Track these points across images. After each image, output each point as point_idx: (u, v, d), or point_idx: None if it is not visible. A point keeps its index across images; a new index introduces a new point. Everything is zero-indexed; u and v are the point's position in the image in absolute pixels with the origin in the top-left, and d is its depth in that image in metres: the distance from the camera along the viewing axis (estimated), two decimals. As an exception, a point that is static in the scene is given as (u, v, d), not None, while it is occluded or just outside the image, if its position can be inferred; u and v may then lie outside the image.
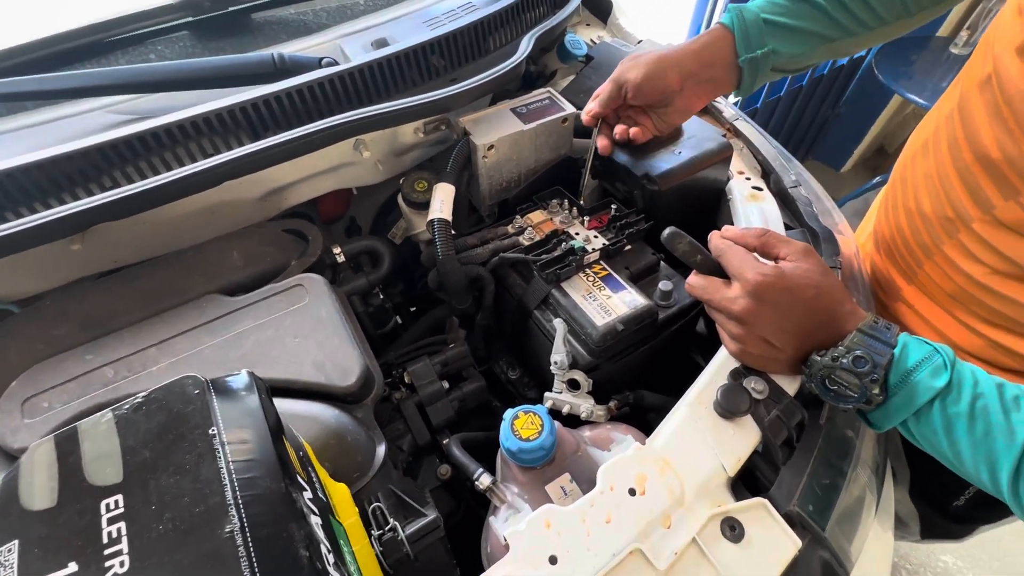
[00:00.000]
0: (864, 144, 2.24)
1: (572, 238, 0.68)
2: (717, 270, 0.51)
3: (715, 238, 0.52)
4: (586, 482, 0.49)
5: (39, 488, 0.27)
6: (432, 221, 0.67)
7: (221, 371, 0.52)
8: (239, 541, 0.25)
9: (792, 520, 0.46)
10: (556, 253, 0.65)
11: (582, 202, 0.74)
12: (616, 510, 0.44)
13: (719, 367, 0.53)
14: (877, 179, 1.96)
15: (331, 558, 0.30)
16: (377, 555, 0.43)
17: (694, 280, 0.52)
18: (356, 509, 0.44)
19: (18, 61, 0.74)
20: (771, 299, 0.47)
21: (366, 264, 0.76)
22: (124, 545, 0.25)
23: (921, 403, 0.43)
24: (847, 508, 0.51)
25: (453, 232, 0.68)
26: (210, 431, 0.29)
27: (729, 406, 0.49)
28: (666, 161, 0.70)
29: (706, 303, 0.52)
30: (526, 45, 0.78)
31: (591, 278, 0.65)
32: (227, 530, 0.25)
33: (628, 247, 0.69)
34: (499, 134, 0.72)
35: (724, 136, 0.75)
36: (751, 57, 0.62)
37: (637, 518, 0.44)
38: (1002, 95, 0.49)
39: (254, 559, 0.24)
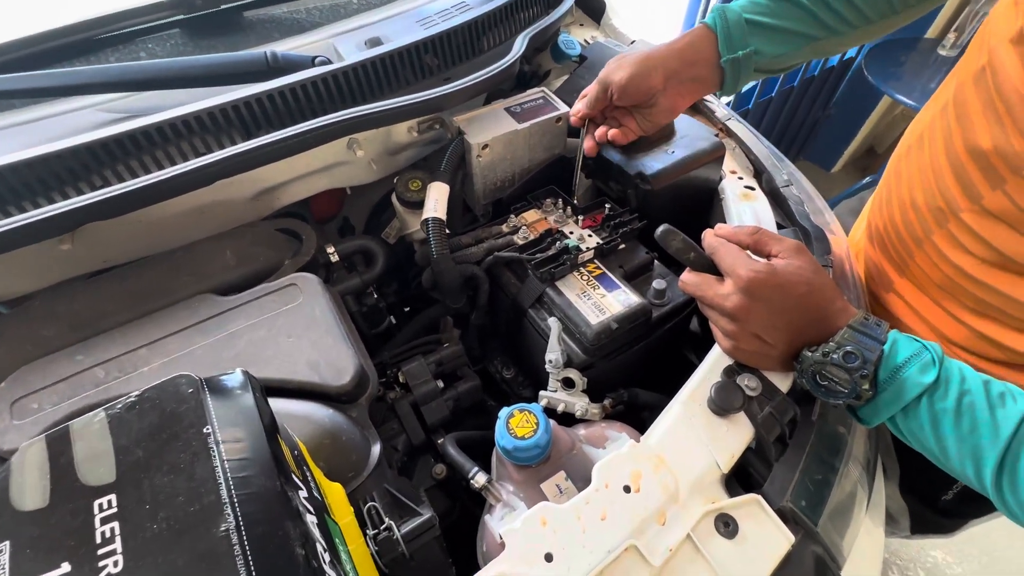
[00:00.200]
0: (854, 145, 2.26)
1: (566, 237, 0.68)
2: (710, 267, 0.52)
3: (708, 236, 0.53)
4: (581, 480, 0.50)
5: (30, 488, 0.27)
6: (426, 220, 0.67)
7: (214, 371, 0.52)
8: (234, 540, 0.25)
9: (785, 516, 0.46)
10: (550, 252, 0.65)
11: (575, 201, 0.74)
12: (611, 507, 0.44)
13: (713, 364, 0.54)
14: (867, 179, 1.98)
15: (327, 557, 0.30)
16: (373, 554, 0.43)
17: (687, 277, 0.53)
18: (351, 508, 0.44)
19: (7, 58, 0.73)
20: (763, 296, 0.47)
21: (360, 263, 0.76)
22: (118, 545, 0.25)
23: (909, 399, 0.43)
24: (839, 504, 0.51)
25: (447, 231, 0.68)
26: (204, 430, 0.28)
27: (723, 403, 0.49)
28: (659, 160, 0.71)
29: (699, 300, 0.53)
30: (520, 45, 0.78)
31: (585, 277, 0.65)
32: (222, 529, 0.25)
33: (622, 246, 0.70)
34: (493, 133, 0.72)
35: (716, 136, 0.76)
36: (733, 58, 0.62)
37: (632, 515, 0.44)
38: (995, 86, 0.50)
39: (250, 557, 0.24)
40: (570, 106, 0.79)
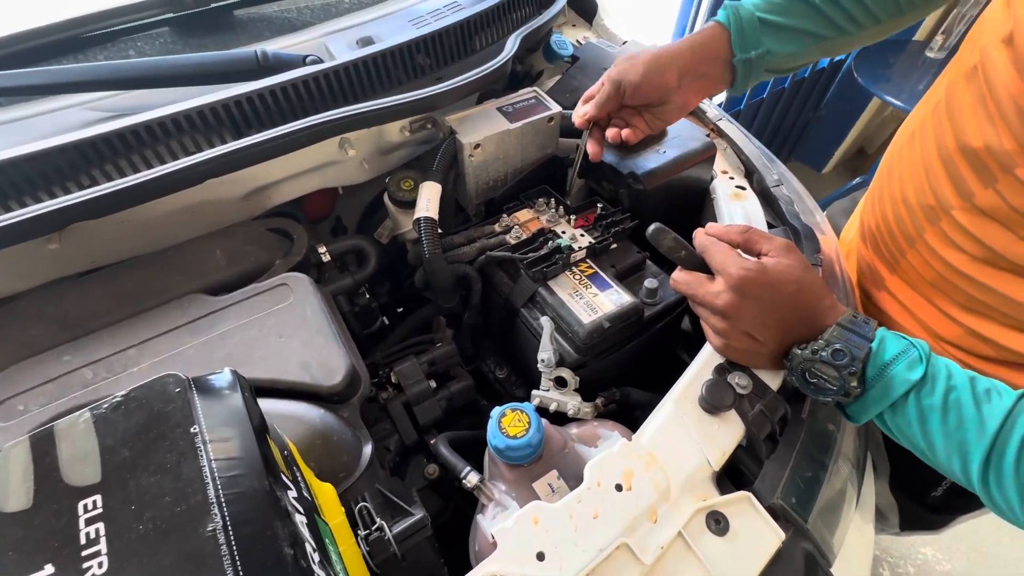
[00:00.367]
0: (844, 145, 2.28)
1: (559, 237, 0.68)
2: (701, 266, 0.52)
3: (699, 235, 0.53)
4: (573, 479, 0.50)
5: (14, 489, 0.27)
6: (418, 220, 0.67)
7: (204, 371, 0.51)
8: (221, 540, 0.24)
9: (775, 513, 0.47)
10: (543, 252, 0.65)
11: (569, 201, 0.74)
12: (603, 505, 0.45)
13: (704, 363, 0.54)
14: (858, 179, 1.99)
15: (316, 557, 0.30)
16: (364, 555, 0.42)
17: (678, 276, 0.53)
18: (342, 509, 0.43)
19: (-7, 56, 0.72)
20: (753, 294, 0.48)
21: (352, 263, 0.76)
22: (103, 546, 0.24)
23: (897, 395, 0.44)
24: (829, 500, 0.52)
25: (440, 231, 0.68)
26: (192, 429, 0.28)
27: (714, 401, 0.50)
28: (651, 160, 0.71)
29: (690, 298, 0.53)
30: (512, 45, 0.78)
31: (577, 276, 0.65)
32: (209, 529, 0.25)
33: (614, 245, 0.70)
34: (485, 133, 0.72)
35: (708, 136, 0.76)
36: (746, 58, 0.62)
37: (624, 513, 0.44)
38: (986, 85, 0.50)
39: (237, 558, 0.24)
40: (563, 106, 0.79)
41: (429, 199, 0.68)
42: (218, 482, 0.26)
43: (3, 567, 0.24)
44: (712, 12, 1.67)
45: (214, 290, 0.60)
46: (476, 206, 0.80)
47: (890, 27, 0.64)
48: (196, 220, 0.66)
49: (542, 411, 0.57)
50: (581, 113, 0.67)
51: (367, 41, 0.79)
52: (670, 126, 0.75)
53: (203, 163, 0.59)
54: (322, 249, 0.71)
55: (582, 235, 0.69)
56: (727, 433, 0.50)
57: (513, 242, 0.69)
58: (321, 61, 0.70)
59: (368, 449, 0.51)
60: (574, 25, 1.06)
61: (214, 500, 0.25)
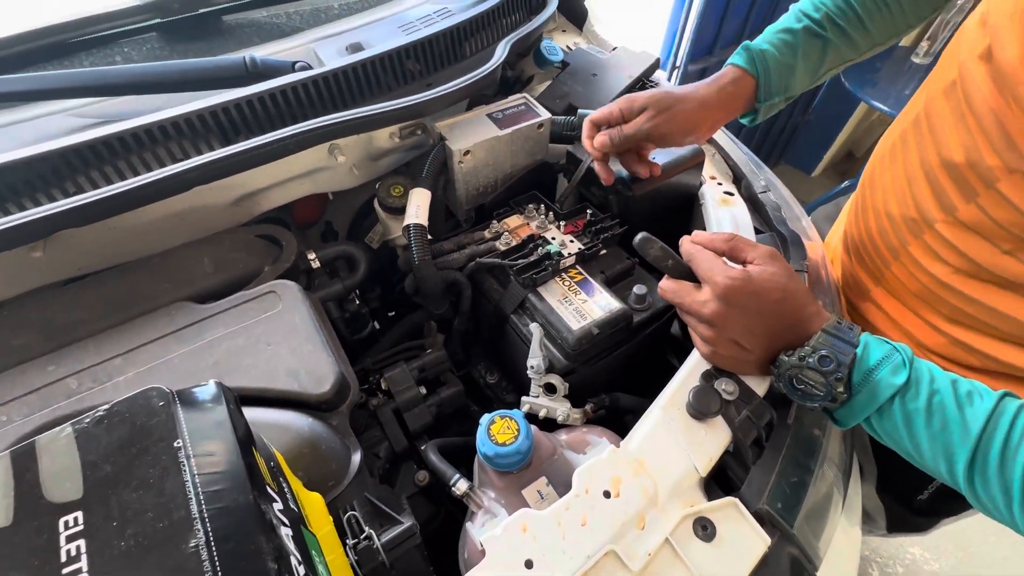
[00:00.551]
0: (833, 149, 2.31)
1: (548, 243, 0.68)
2: (688, 274, 0.53)
3: (685, 243, 0.53)
4: (562, 485, 0.50)
5: (-7, 506, 0.26)
6: (408, 227, 0.67)
7: (191, 380, 0.51)
8: (204, 555, 0.24)
9: (762, 518, 0.47)
10: (532, 258, 0.65)
11: (558, 207, 0.75)
12: (591, 512, 0.45)
13: (691, 370, 0.54)
14: (846, 183, 2.01)
15: (302, 570, 0.30)
16: (352, 564, 0.42)
17: (666, 284, 0.54)
18: (330, 518, 0.43)
19: (-24, 62, 0.71)
20: (739, 302, 0.48)
21: (342, 269, 0.76)
22: (83, 563, 0.24)
23: (883, 400, 0.44)
24: (814, 505, 0.52)
25: (430, 237, 0.68)
26: (175, 444, 0.28)
27: (701, 407, 0.50)
28: (640, 166, 0.71)
29: (678, 307, 0.53)
30: (502, 51, 0.79)
31: (567, 282, 0.65)
32: (191, 544, 0.24)
33: (603, 251, 0.70)
34: (475, 139, 0.72)
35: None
36: (770, 104, 0.65)
37: (612, 520, 0.45)
38: (966, 100, 0.51)
39: (220, 573, 0.24)
40: (553, 112, 0.79)
41: (419, 206, 0.68)
42: (201, 497, 0.26)
43: (-18, 586, 0.24)
44: (702, 19, 1.69)
45: (201, 298, 0.60)
46: (466, 212, 0.81)
47: (887, 44, 0.67)
48: (184, 226, 0.66)
49: (532, 417, 0.57)
50: (599, 144, 0.65)
51: (357, 47, 0.79)
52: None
53: (191, 170, 0.58)
54: (311, 255, 0.71)
55: (571, 241, 0.69)
56: (714, 439, 0.50)
57: (503, 248, 0.69)
58: (310, 67, 0.70)
59: (357, 457, 0.51)
60: (564, 31, 1.06)
61: (197, 515, 0.25)
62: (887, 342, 0.46)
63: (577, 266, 0.67)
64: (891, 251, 0.64)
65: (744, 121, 0.71)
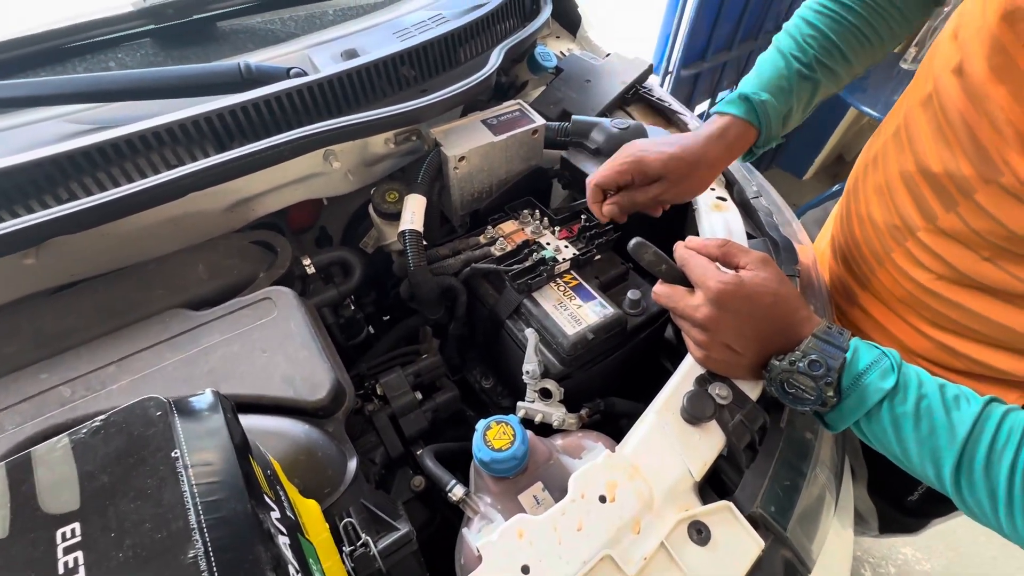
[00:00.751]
0: (824, 153, 2.33)
1: (543, 248, 0.69)
2: (681, 279, 0.53)
3: (679, 248, 0.54)
4: (558, 490, 0.50)
5: (-11, 518, 0.26)
6: (403, 232, 0.67)
7: (186, 388, 0.51)
8: (203, 566, 0.24)
9: (755, 521, 0.48)
10: (527, 263, 0.66)
11: (552, 212, 0.75)
12: (587, 517, 0.45)
13: (685, 374, 0.55)
14: (836, 187, 2.04)
15: (300, 578, 0.30)
16: (348, 572, 0.42)
17: (659, 289, 0.54)
18: (327, 525, 0.43)
19: (-33, 67, 0.71)
20: (732, 306, 0.49)
21: (337, 275, 0.76)
22: (82, 575, 0.24)
23: (871, 404, 0.45)
24: (807, 508, 0.53)
25: (425, 243, 0.68)
26: (172, 454, 0.28)
27: (695, 412, 0.51)
28: (633, 172, 0.72)
29: (671, 311, 0.54)
30: (496, 57, 0.79)
31: (562, 288, 0.66)
32: (190, 555, 0.25)
33: (598, 257, 0.71)
34: (470, 146, 0.72)
35: (689, 148, 0.78)
36: (766, 148, 0.66)
37: (608, 525, 0.45)
38: (942, 112, 0.52)
39: (218, 584, 0.24)
40: (547, 118, 0.80)
41: (414, 211, 0.68)
42: (200, 507, 0.26)
43: (-22, 598, 0.24)
44: (694, 25, 1.70)
45: (196, 304, 0.60)
46: (461, 217, 0.81)
47: (868, 68, 0.68)
48: (178, 232, 0.65)
49: (527, 423, 0.57)
50: (608, 213, 0.65)
51: (351, 54, 0.79)
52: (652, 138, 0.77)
53: (186, 177, 0.58)
54: (306, 261, 0.71)
55: (566, 246, 0.70)
56: (708, 443, 0.51)
57: (498, 254, 0.70)
58: (305, 74, 0.70)
59: (353, 464, 0.51)
60: (558, 37, 1.07)
61: (195, 526, 0.25)
62: (876, 347, 0.47)
63: (572, 271, 0.68)
64: (876, 258, 0.65)
65: (738, 161, 0.71)
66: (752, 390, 0.54)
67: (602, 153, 0.75)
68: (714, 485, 0.53)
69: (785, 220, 0.77)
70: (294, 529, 0.34)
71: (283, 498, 0.36)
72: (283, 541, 0.30)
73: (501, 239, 0.72)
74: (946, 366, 0.63)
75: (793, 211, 0.84)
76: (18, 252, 0.55)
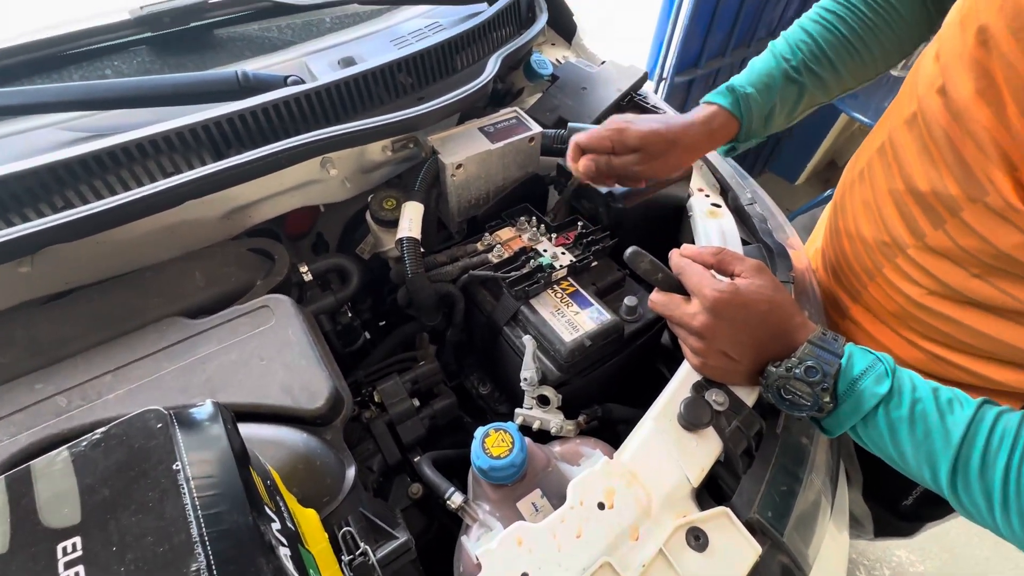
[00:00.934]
0: (816, 158, 2.36)
1: (540, 255, 0.69)
2: (677, 287, 0.54)
3: (675, 256, 0.54)
4: (557, 497, 0.50)
5: (-11, 533, 0.26)
6: (401, 240, 0.67)
7: (183, 397, 0.51)
8: (205, 579, 0.24)
9: (752, 527, 0.48)
10: (525, 270, 0.66)
11: (549, 219, 0.76)
12: (586, 524, 0.45)
13: (682, 381, 0.55)
14: (826, 192, 2.06)
15: (300, 589, 0.30)
16: (348, 581, 0.42)
17: (656, 297, 0.55)
18: (326, 535, 0.43)
19: (-38, 75, 0.70)
20: (727, 314, 0.49)
21: (334, 281, 0.76)
22: (83, 589, 0.24)
23: (867, 409, 0.45)
24: (803, 513, 0.53)
25: (422, 250, 0.68)
26: (174, 466, 0.28)
27: (692, 418, 0.51)
28: (629, 180, 0.73)
29: (668, 319, 0.55)
30: (493, 65, 0.80)
31: (559, 294, 0.66)
32: (193, 569, 0.25)
33: (595, 264, 0.71)
34: (467, 153, 0.73)
35: (684, 155, 0.78)
36: (747, 144, 0.69)
37: (606, 532, 0.45)
38: (927, 132, 0.53)
39: (221, 597, 0.24)
40: (543, 125, 0.80)
41: (412, 219, 0.69)
42: (201, 520, 0.26)
43: (-22, 614, 0.24)
44: (688, 32, 1.72)
45: (193, 313, 0.60)
46: (458, 224, 0.81)
47: (857, 88, 0.70)
48: (175, 239, 0.65)
49: (525, 429, 0.57)
50: (585, 170, 0.65)
51: (349, 61, 0.79)
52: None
53: (183, 185, 0.58)
54: (303, 268, 0.71)
55: (563, 253, 0.70)
56: (705, 449, 0.51)
57: (495, 261, 0.70)
58: (303, 82, 0.71)
59: (351, 472, 0.51)
60: (553, 44, 1.08)
61: (197, 539, 0.25)
62: (870, 352, 0.48)
63: (569, 278, 0.68)
64: (867, 273, 0.66)
65: (720, 152, 0.74)
66: (748, 396, 0.54)
67: (598, 160, 0.76)
68: (711, 491, 0.53)
69: (778, 225, 0.78)
70: (294, 540, 0.34)
71: (283, 508, 0.36)
72: (284, 552, 0.30)
73: (498, 246, 0.72)
74: (939, 377, 0.63)
75: (785, 216, 0.85)
76: (13, 260, 0.55)
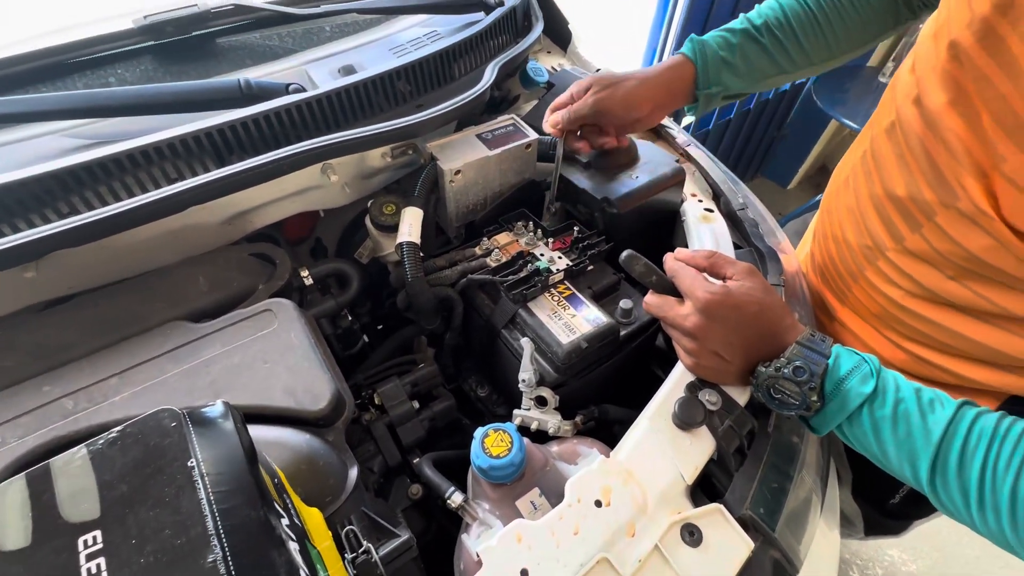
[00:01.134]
0: (807, 163, 2.40)
1: (537, 259, 0.71)
2: (671, 289, 0.55)
3: (669, 260, 0.56)
4: (555, 496, 0.51)
5: (11, 527, 0.27)
6: (401, 244, 0.68)
7: (188, 399, 0.52)
8: (222, 570, 0.25)
9: (745, 523, 0.49)
10: (522, 274, 0.68)
11: (546, 224, 0.77)
12: (583, 522, 0.46)
13: (676, 381, 0.57)
14: (818, 197, 2.09)
15: (309, 583, 0.31)
16: (351, 578, 0.43)
17: (650, 299, 0.56)
18: (329, 533, 0.44)
19: (-34, 83, 0.71)
20: (719, 315, 0.51)
21: (333, 286, 0.77)
22: (104, 580, 0.25)
23: (852, 408, 0.47)
24: (794, 510, 0.55)
25: (421, 254, 0.70)
26: (188, 463, 0.29)
27: (686, 418, 0.53)
28: (624, 185, 0.74)
29: (662, 320, 0.56)
30: (490, 73, 0.81)
31: (556, 298, 0.67)
32: (210, 560, 0.26)
33: (590, 267, 0.73)
34: (465, 159, 0.74)
35: (677, 161, 0.80)
36: (707, 92, 0.71)
37: (603, 528, 0.46)
38: (904, 140, 0.56)
39: (237, 587, 0.25)
40: (539, 132, 0.82)
41: (411, 224, 0.70)
42: (216, 514, 0.27)
43: (2, 605, 0.25)
44: (679, 44, 1.75)
45: (196, 316, 0.61)
46: (457, 229, 0.82)
47: (823, 67, 0.73)
48: (177, 244, 0.66)
49: (523, 430, 0.59)
50: (553, 121, 0.71)
51: (349, 69, 0.81)
52: (641, 152, 0.80)
53: (186, 191, 0.59)
54: (304, 273, 0.72)
55: (560, 257, 0.72)
56: (699, 448, 0.52)
57: (494, 265, 0.71)
58: (304, 89, 0.72)
59: (354, 472, 0.52)
60: (549, 52, 1.10)
61: (213, 532, 0.26)
62: (856, 353, 0.50)
63: (565, 282, 0.70)
64: (851, 275, 0.69)
65: (689, 113, 0.77)
66: (740, 396, 0.56)
67: (592, 166, 0.77)
68: (705, 488, 0.54)
69: (769, 230, 0.80)
70: (302, 536, 0.35)
71: (290, 506, 0.37)
72: (293, 547, 0.31)
73: (496, 250, 0.73)
74: (921, 377, 0.66)
75: (777, 220, 0.87)
76: (19, 266, 0.56)
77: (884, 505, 0.83)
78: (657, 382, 0.58)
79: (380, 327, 0.90)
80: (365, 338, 0.82)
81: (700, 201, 0.83)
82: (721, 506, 0.50)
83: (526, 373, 0.62)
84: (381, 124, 0.70)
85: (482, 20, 0.88)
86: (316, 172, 0.72)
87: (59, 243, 0.55)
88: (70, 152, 0.60)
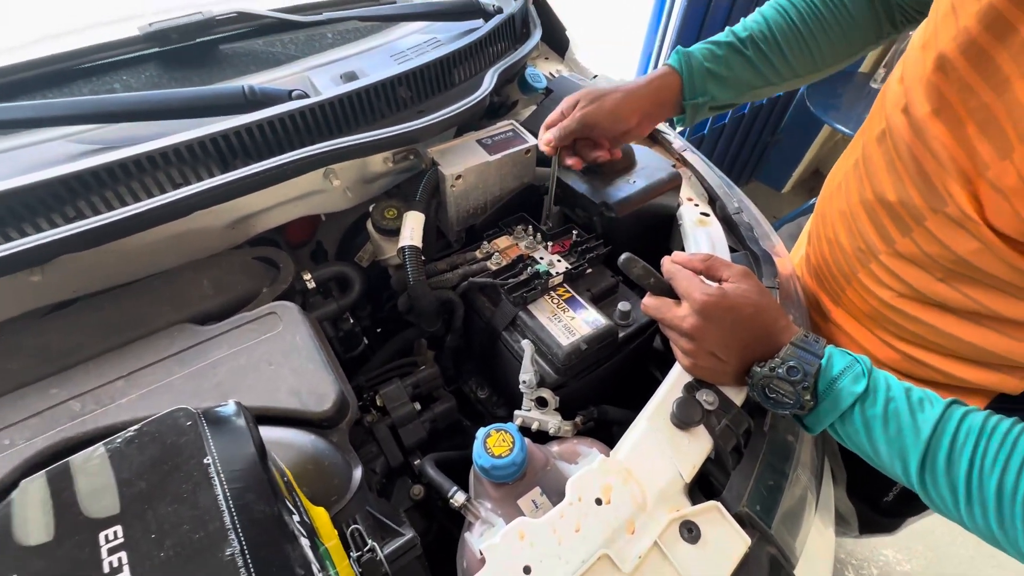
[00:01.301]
0: (801, 167, 2.43)
1: (537, 262, 0.72)
2: (668, 291, 0.57)
3: (666, 262, 0.58)
4: (556, 494, 0.52)
5: (33, 523, 0.28)
6: (403, 248, 0.69)
7: (195, 401, 0.53)
8: (240, 563, 0.26)
9: (742, 520, 0.51)
10: (522, 277, 0.69)
11: (545, 228, 0.78)
12: (584, 519, 0.47)
13: (674, 382, 0.58)
14: (812, 200, 2.12)
15: (320, 578, 0.32)
16: (357, 576, 0.44)
17: (648, 301, 0.58)
18: (335, 532, 0.45)
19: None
20: (715, 317, 0.52)
21: (335, 289, 0.77)
22: (126, 573, 0.26)
23: (844, 407, 0.48)
24: (790, 507, 0.56)
25: (423, 258, 0.71)
26: (204, 460, 0.30)
27: (684, 417, 0.54)
28: (622, 190, 0.76)
29: (659, 322, 0.57)
30: (490, 80, 0.83)
31: (555, 300, 0.69)
32: (228, 553, 0.26)
33: (589, 270, 0.74)
34: (466, 164, 0.75)
35: (674, 166, 0.82)
36: (693, 102, 0.72)
37: (604, 526, 0.47)
38: (894, 148, 0.58)
39: (254, 579, 0.26)
40: (537, 137, 0.83)
41: (413, 228, 0.71)
42: (233, 509, 0.28)
43: (27, 598, 0.26)
44: (675, 43, 1.77)
45: (201, 319, 0.62)
46: (457, 233, 0.84)
47: (809, 79, 0.75)
48: (181, 248, 0.67)
49: (524, 430, 0.60)
50: (546, 140, 0.73)
51: (351, 76, 0.82)
52: (638, 157, 0.81)
53: (191, 196, 0.60)
54: (307, 276, 0.73)
55: (559, 260, 0.73)
56: (697, 447, 0.54)
57: (494, 268, 0.72)
58: (306, 96, 0.73)
59: (358, 472, 0.53)
60: (547, 58, 1.11)
61: (230, 526, 0.27)
62: (849, 354, 0.51)
63: (565, 284, 0.71)
64: (845, 277, 0.70)
65: (677, 124, 0.78)
66: (737, 396, 0.57)
67: (590, 171, 0.79)
68: (703, 487, 0.55)
69: (764, 233, 0.82)
70: (312, 533, 0.36)
71: (299, 504, 0.38)
72: (305, 543, 0.32)
73: (496, 254, 0.75)
74: (913, 376, 0.67)
75: (772, 223, 0.89)
76: (26, 270, 0.56)
77: (878, 503, 0.84)
78: (655, 383, 0.59)
79: (380, 330, 0.91)
80: (366, 341, 0.83)
81: (696, 205, 0.84)
82: (719, 503, 0.51)
83: (527, 374, 0.63)
84: (383, 130, 0.71)
85: (481, 27, 0.90)
86: (319, 177, 0.73)
87: (66, 247, 0.56)
88: (77, 157, 0.61)
